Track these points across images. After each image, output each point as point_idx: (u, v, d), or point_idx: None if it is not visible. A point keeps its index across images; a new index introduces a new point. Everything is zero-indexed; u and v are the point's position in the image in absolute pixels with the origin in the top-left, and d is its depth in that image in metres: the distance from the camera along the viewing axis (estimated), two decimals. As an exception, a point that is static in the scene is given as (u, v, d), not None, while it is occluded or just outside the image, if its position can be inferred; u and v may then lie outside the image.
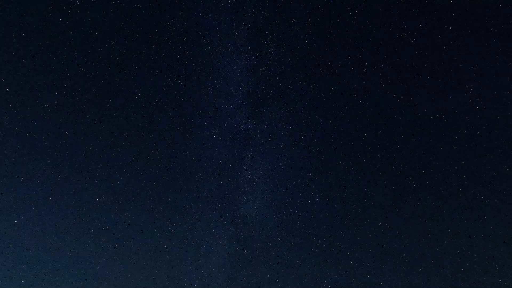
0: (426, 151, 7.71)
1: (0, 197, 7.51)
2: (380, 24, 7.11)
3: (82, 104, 7.29)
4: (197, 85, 7.77)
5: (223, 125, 8.21)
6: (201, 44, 7.47)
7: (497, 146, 7.35)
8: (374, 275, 8.55)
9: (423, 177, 7.88)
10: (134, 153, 7.95)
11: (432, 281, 8.31)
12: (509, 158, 7.39)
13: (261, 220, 8.78)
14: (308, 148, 8.21)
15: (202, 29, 7.34)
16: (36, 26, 6.64)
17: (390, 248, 8.28)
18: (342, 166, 8.18)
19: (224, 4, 7.26)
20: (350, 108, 7.80)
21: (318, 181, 8.40)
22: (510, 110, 7.14)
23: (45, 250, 8.16)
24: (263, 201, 8.71)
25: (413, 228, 8.16)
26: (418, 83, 7.32)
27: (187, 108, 7.90)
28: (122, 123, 7.69)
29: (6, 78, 6.80)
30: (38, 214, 7.87)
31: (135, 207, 8.38)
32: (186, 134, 8.08)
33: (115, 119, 7.62)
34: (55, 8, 6.61)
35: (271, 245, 8.83)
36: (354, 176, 8.17)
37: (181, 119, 7.94)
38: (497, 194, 7.57)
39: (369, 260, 8.50)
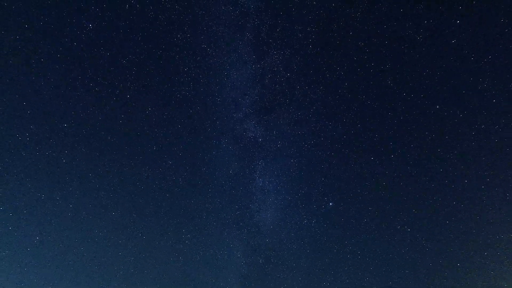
0: (443, 149, 7.42)
1: (25, 216, 7.87)
2: (384, 23, 7.06)
3: (96, 121, 7.61)
4: (205, 96, 7.94)
5: (232, 134, 8.30)
6: (207, 56, 7.67)
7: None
8: (396, 281, 8.15)
9: (441, 176, 7.56)
10: (146, 166, 8.16)
11: (457, 285, 7.81)
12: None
13: (275, 227, 8.68)
14: (318, 153, 8.11)
15: (207, 42, 7.56)
16: (54, 51, 7.08)
17: (411, 252, 7.91)
18: (355, 169, 8.00)
19: (227, 16, 7.48)
20: (359, 109, 7.69)
21: (331, 185, 8.24)
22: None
23: (64, 264, 8.40)
24: (276, 208, 8.63)
25: (435, 231, 7.77)
26: (428, 79, 7.14)
27: (196, 119, 8.06)
28: (135, 138, 7.95)
29: (28, 100, 7.24)
30: (58, 229, 8.16)
31: (149, 220, 8.52)
32: (196, 144, 8.22)
33: (128, 134, 7.88)
34: (71, 32, 7.03)
35: (287, 253, 8.67)
36: (368, 179, 7.95)
37: (190, 130, 8.11)
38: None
39: (390, 266, 8.14)
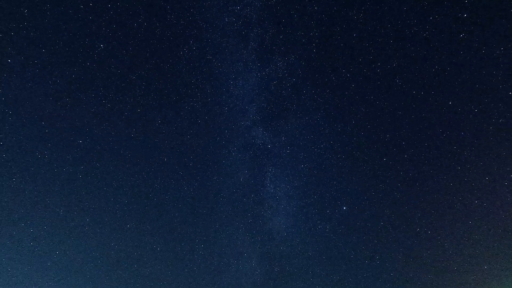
0: (459, 146, 7.13)
1: (44, 231, 8.15)
2: (387, 22, 7.00)
3: (109, 136, 7.89)
4: (213, 106, 8.08)
5: (241, 142, 8.35)
6: (213, 67, 7.85)
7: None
8: (418, 287, 7.73)
9: (460, 174, 7.23)
10: (158, 178, 8.32)
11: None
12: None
13: (289, 234, 8.53)
14: (329, 156, 7.99)
15: (213, 53, 7.75)
16: (69, 72, 7.46)
17: (433, 255, 7.50)
18: (368, 171, 7.80)
19: (230, 27, 7.66)
20: (368, 110, 7.57)
21: (343, 189, 8.06)
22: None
23: (82, 277, 8.57)
24: (289, 214, 8.51)
25: (457, 232, 7.37)
26: (438, 76, 6.95)
27: (205, 129, 8.19)
28: (146, 150, 8.15)
29: (45, 119, 7.62)
30: (76, 243, 8.39)
31: (163, 231, 8.62)
32: (206, 154, 8.32)
33: (139, 147, 8.09)
34: (84, 53, 7.40)
35: (302, 261, 8.46)
36: (382, 180, 7.72)
37: (200, 140, 8.23)
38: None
39: (411, 270, 7.73)
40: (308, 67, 7.65)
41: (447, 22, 6.69)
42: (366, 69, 7.37)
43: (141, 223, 8.50)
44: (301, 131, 8.06)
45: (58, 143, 7.69)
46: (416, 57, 7.02)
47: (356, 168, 7.89)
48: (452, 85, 6.97)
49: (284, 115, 8.07)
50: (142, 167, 8.19)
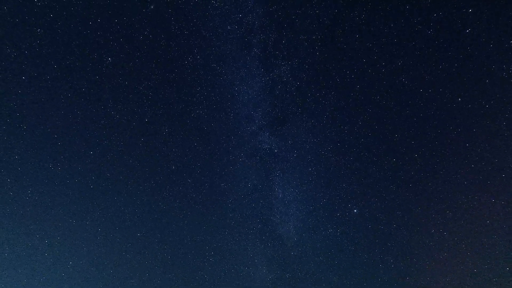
0: (471, 144, 6.92)
1: (58, 241, 8.32)
2: (390, 22, 6.96)
3: (118, 146, 8.05)
4: (218, 113, 8.15)
5: (248, 147, 8.36)
6: (217, 75, 7.95)
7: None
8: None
9: (474, 173, 7.00)
10: (167, 186, 8.41)
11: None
12: None
13: (299, 239, 8.40)
14: (337, 158, 7.89)
15: (217, 61, 7.86)
16: (79, 86, 7.72)
17: (450, 258, 7.21)
18: (378, 172, 7.65)
19: (233, 35, 7.77)
20: (375, 110, 7.47)
21: (353, 191, 7.91)
22: None
23: (95, 286, 8.68)
24: (299, 219, 8.40)
25: (475, 233, 7.09)
26: (445, 73, 6.82)
27: (211, 136, 8.26)
28: (154, 159, 8.26)
29: (57, 132, 7.87)
30: (88, 253, 8.51)
31: (172, 239, 8.64)
32: (213, 161, 8.37)
33: (147, 156, 8.23)
34: (93, 67, 7.65)
35: (314, 266, 8.29)
36: (393, 181, 7.55)
37: (206, 147, 8.29)
38: None
39: (428, 274, 7.45)
40: (312, 70, 7.66)
41: (451, 18, 6.60)
42: (370, 70, 7.31)
43: (150, 231, 8.58)
44: (307, 134, 8.03)
45: (69, 155, 7.91)
46: (421, 55, 6.93)
47: (365, 169, 7.76)
48: (460, 81, 6.82)
49: (290, 119, 8.07)
50: (150, 175, 8.31)
